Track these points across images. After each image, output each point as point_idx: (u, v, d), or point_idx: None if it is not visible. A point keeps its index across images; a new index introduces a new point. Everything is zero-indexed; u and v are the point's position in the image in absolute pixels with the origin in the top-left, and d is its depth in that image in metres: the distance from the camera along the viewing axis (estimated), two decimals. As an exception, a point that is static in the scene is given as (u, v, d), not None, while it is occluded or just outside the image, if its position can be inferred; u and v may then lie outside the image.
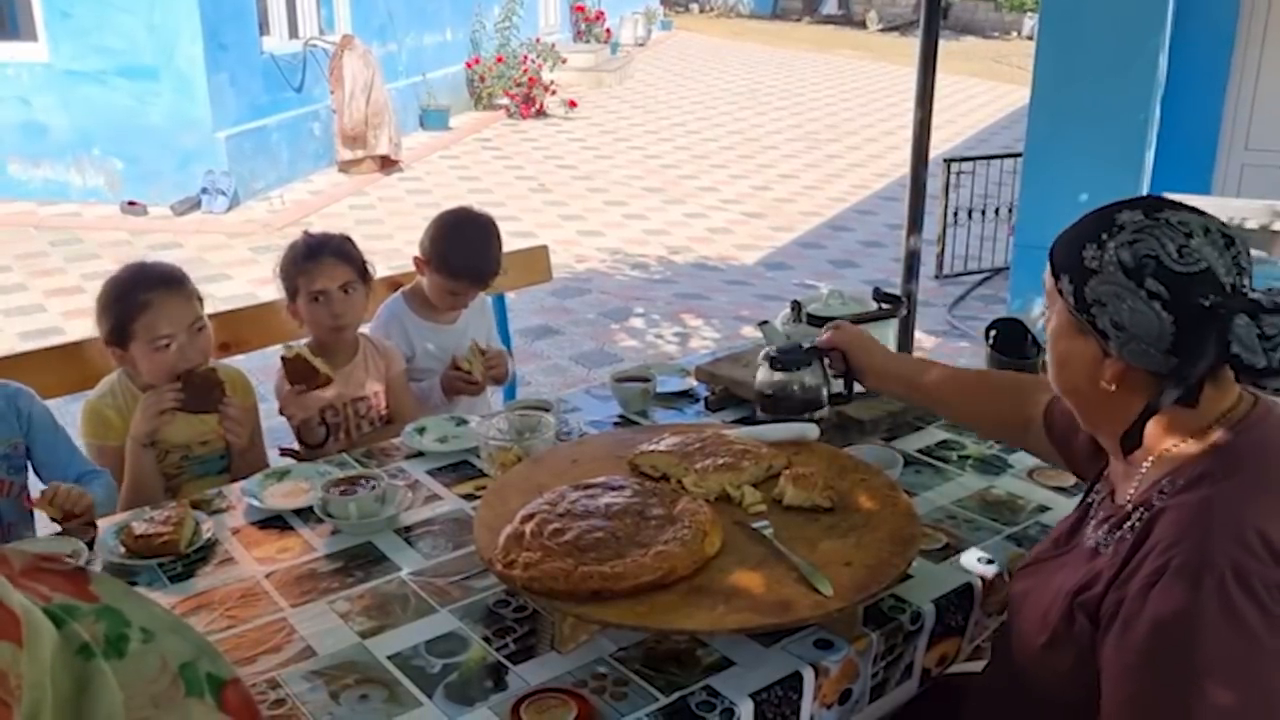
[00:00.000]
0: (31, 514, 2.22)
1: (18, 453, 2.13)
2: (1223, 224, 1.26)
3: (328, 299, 2.45)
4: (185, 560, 1.74)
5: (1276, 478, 1.23)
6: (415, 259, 2.72)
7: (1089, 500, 1.47)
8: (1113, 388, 1.29)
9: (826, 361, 1.98)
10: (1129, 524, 1.29)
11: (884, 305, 2.23)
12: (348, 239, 2.58)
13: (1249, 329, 1.18)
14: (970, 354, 5.33)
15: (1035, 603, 1.39)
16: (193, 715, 0.63)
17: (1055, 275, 1.33)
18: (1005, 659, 1.47)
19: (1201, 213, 1.26)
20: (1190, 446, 1.27)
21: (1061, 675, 1.31)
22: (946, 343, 5.72)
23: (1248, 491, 1.21)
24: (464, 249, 2.66)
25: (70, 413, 2.39)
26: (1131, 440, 1.28)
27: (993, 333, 2.41)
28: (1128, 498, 1.33)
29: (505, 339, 3.18)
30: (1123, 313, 1.24)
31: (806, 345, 1.99)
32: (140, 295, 2.18)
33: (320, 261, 2.47)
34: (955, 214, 6.82)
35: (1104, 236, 1.26)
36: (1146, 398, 1.27)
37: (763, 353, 2.03)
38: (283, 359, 2.33)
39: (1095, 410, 1.36)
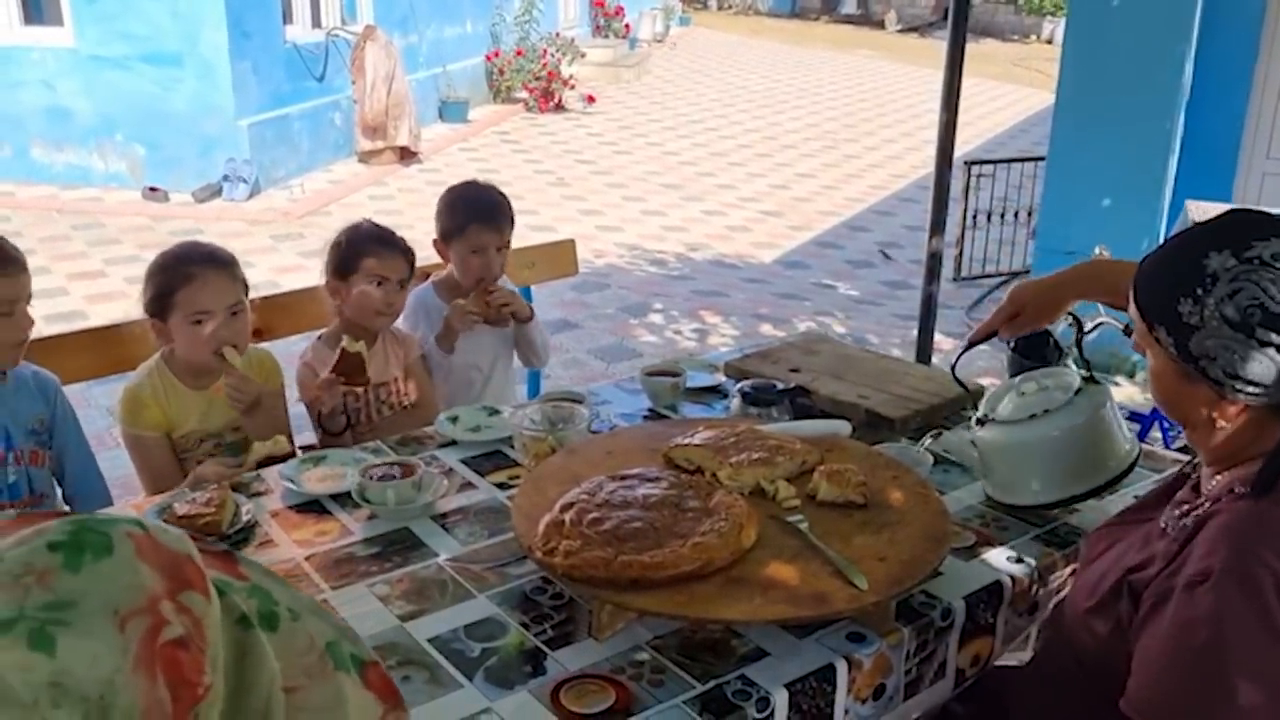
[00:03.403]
0: (55, 484, 2.26)
1: (44, 428, 2.19)
2: None
3: (388, 287, 2.50)
4: (227, 541, 1.77)
5: None
6: (434, 242, 2.76)
7: (1185, 471, 1.50)
8: (1230, 426, 1.30)
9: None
10: (1195, 514, 1.32)
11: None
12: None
13: None
14: (989, 356, 5.32)
15: (1096, 567, 1.45)
16: (343, 688, 0.66)
17: (1148, 323, 1.32)
18: (1058, 618, 1.53)
19: None
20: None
21: (1098, 640, 1.37)
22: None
23: None
24: (469, 193, 2.77)
25: (94, 396, 2.41)
26: (1268, 479, 1.27)
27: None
28: (1209, 489, 1.36)
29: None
30: (1235, 364, 1.24)
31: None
32: (187, 268, 2.22)
33: (393, 250, 2.53)
34: (974, 216, 6.83)
35: (1199, 291, 1.25)
36: (1267, 429, 1.29)
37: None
38: (343, 349, 2.34)
39: (1212, 442, 1.36)
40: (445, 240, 2.72)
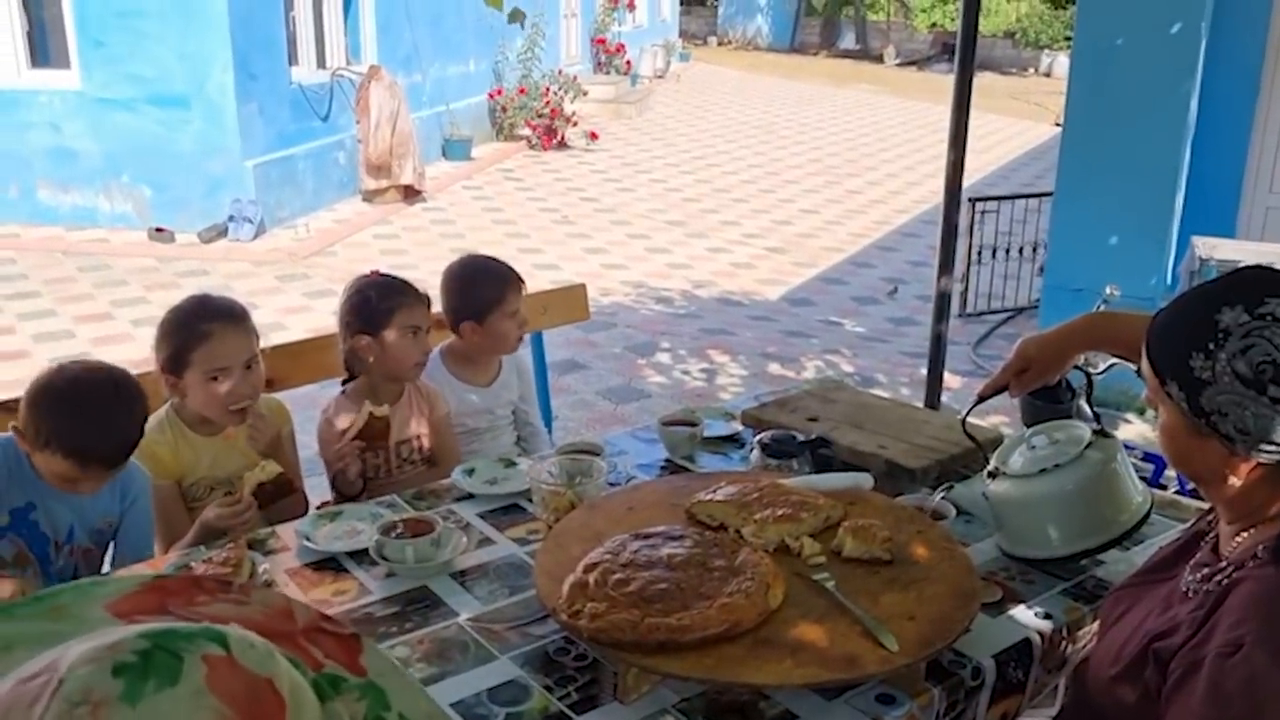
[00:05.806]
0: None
1: (110, 528, 2.16)
2: None
3: (421, 336, 2.49)
4: (244, 601, 1.74)
5: None
6: (463, 326, 2.68)
7: (1201, 528, 1.48)
8: (1243, 483, 1.29)
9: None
10: (1218, 579, 1.31)
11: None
12: None
13: None
14: (1000, 397, 5.31)
15: (1117, 631, 1.43)
16: None
17: (1159, 377, 1.32)
18: (1081, 682, 1.51)
19: None
20: None
21: (1126, 709, 1.36)
22: (973, 381, 5.71)
23: None
24: (484, 265, 2.77)
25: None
26: None
27: None
28: (1230, 550, 1.35)
29: (542, 377, 3.19)
30: (1247, 420, 1.24)
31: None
32: (202, 325, 2.22)
33: (417, 299, 2.52)
34: (979, 252, 6.83)
35: (1211, 346, 1.25)
36: None
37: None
38: (370, 415, 2.34)
39: (1226, 499, 1.35)
40: (480, 316, 2.63)
